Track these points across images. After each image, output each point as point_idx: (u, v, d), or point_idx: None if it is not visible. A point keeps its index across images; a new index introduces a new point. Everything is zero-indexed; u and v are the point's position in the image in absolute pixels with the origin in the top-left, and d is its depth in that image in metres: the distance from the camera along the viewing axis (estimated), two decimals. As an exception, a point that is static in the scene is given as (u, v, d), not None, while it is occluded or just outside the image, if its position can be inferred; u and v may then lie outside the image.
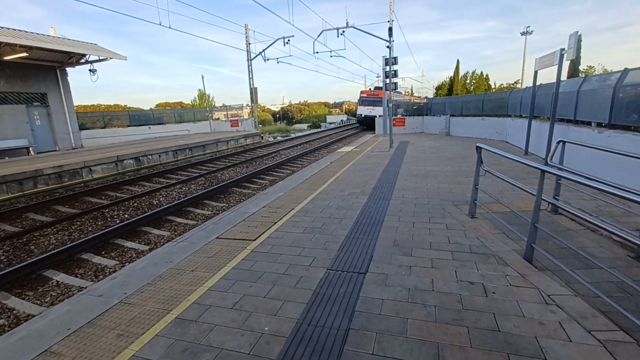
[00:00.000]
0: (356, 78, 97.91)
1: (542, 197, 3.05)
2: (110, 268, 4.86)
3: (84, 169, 10.65)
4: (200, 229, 4.61)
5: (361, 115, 30.47)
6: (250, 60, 24.18)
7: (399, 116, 19.40)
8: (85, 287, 4.19)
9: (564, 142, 4.45)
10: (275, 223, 4.62)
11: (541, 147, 8.69)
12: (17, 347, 2.36)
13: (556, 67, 7.55)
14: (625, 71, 5.98)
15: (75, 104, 17.34)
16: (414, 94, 50.54)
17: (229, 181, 9.46)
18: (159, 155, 13.73)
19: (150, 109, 29.99)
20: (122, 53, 16.09)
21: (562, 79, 7.86)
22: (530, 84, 9.73)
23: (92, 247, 5.45)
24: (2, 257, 5.35)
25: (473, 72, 39.77)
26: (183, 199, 7.70)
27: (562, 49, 7.24)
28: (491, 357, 2.00)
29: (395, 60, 12.88)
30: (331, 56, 22.62)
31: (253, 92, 24.70)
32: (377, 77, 39.00)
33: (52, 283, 4.50)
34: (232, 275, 3.21)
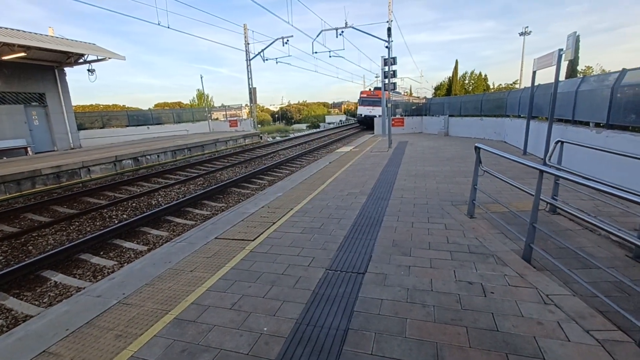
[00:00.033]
0: (355, 78, 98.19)
1: (541, 197, 3.06)
2: (109, 268, 4.85)
3: (82, 169, 10.62)
4: (199, 229, 4.61)
5: (361, 115, 31.47)
6: (249, 60, 24.17)
7: (397, 116, 19.41)
8: (84, 288, 4.18)
9: (562, 142, 4.46)
10: (274, 223, 4.62)
11: (539, 147, 8.71)
12: (15, 347, 2.35)
13: (554, 67, 7.57)
14: (623, 71, 6.00)
15: (73, 104, 17.31)
16: (413, 94, 50.62)
17: (228, 181, 9.45)
18: (158, 156, 13.70)
19: (149, 109, 29.92)
20: (120, 53, 16.06)
21: (560, 79, 7.88)
22: (529, 84, 9.74)
23: (91, 247, 5.43)
24: (0, 258, 5.33)
25: (472, 73, 39.93)
26: (182, 199, 7.69)
27: (561, 50, 7.26)
28: (490, 357, 2.01)
29: (394, 61, 12.91)
30: (330, 56, 22.68)
31: (252, 92, 24.70)
32: (376, 77, 39.03)
33: (51, 283, 4.49)
34: (231, 275, 3.20)
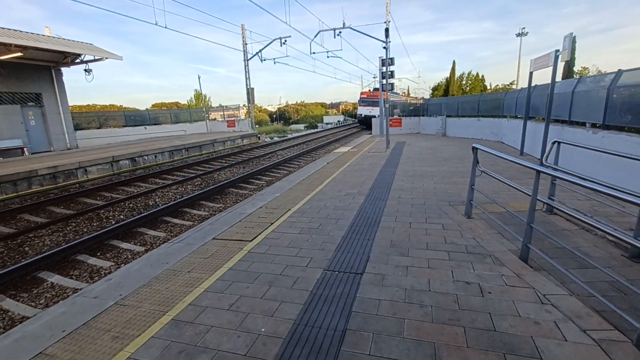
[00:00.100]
0: (353, 79, 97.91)
1: (538, 198, 3.07)
2: (106, 269, 4.82)
3: (79, 169, 10.56)
4: (197, 229, 4.59)
5: (361, 115, 32.84)
6: (247, 60, 24.12)
7: (395, 117, 19.45)
8: (81, 289, 4.14)
9: (558, 143, 4.49)
10: (272, 224, 4.61)
11: (536, 147, 8.75)
12: (11, 349, 2.33)
13: (551, 68, 7.60)
14: (619, 72, 6.04)
15: (70, 104, 17.23)
16: (411, 95, 50.76)
17: (226, 182, 9.43)
18: (155, 156, 13.65)
19: (146, 109, 29.89)
20: (117, 53, 15.99)
21: (556, 80, 7.92)
22: (526, 85, 9.79)
23: (88, 248, 5.40)
24: (-4, 259, 5.30)
25: (469, 73, 40.06)
26: (179, 200, 7.66)
27: (557, 51, 7.29)
28: (487, 357, 2.01)
29: (391, 61, 12.92)
30: (328, 57, 22.68)
31: (250, 93, 24.65)
32: (374, 77, 39.19)
33: (47, 285, 4.46)
34: (228, 276, 3.19)
